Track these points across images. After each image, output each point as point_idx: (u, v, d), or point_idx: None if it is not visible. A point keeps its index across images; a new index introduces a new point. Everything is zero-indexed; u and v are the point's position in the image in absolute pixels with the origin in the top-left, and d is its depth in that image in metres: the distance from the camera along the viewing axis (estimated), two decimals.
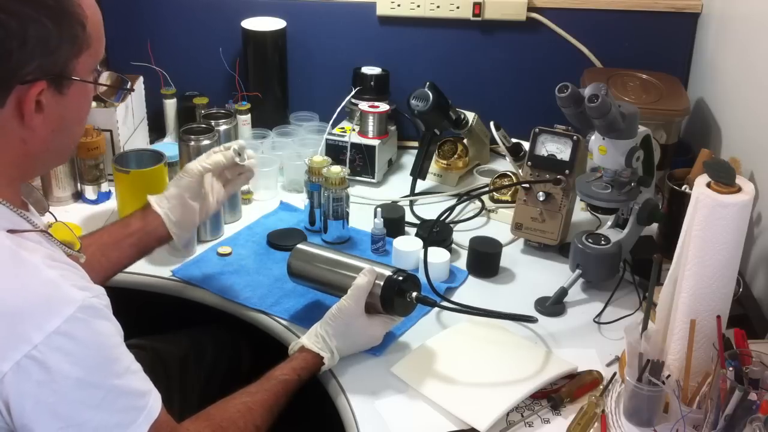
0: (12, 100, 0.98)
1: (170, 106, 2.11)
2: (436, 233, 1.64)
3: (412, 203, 1.92)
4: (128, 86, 1.23)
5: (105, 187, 1.89)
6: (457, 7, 2.07)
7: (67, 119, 1.05)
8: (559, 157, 1.67)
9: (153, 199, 1.48)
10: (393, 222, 1.74)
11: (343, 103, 2.02)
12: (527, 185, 1.71)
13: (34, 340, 0.93)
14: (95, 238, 1.43)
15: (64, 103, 1.03)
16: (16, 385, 0.93)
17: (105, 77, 1.16)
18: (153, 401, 1.04)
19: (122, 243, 1.43)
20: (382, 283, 1.38)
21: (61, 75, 1.01)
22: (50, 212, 1.69)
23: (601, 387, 1.33)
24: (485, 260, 1.65)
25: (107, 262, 1.39)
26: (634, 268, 1.61)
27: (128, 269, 1.48)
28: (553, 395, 1.31)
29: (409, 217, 1.82)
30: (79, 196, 1.90)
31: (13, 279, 0.95)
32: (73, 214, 1.82)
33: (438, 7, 2.08)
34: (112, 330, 1.01)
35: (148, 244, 1.47)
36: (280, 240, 1.72)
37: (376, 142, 1.97)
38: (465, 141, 2.03)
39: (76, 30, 1.00)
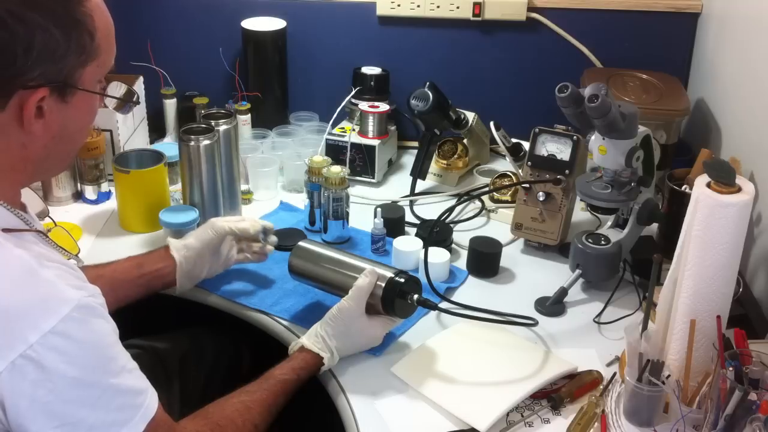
0: (13, 104, 0.98)
1: (170, 106, 2.11)
2: (436, 233, 1.63)
3: (412, 203, 1.92)
4: (135, 99, 1.23)
5: (105, 187, 1.89)
6: (457, 7, 2.07)
7: (69, 127, 1.05)
8: (559, 157, 1.67)
9: (173, 245, 1.50)
10: (393, 222, 1.74)
11: (343, 103, 2.02)
12: (527, 185, 1.71)
13: (30, 340, 0.92)
14: (108, 270, 1.44)
15: (67, 111, 1.03)
16: (11, 385, 0.93)
17: (114, 87, 1.16)
18: (150, 400, 1.04)
19: (133, 282, 1.46)
20: (383, 285, 1.37)
21: (65, 83, 1.00)
22: (50, 217, 1.70)
23: (601, 387, 1.33)
24: (485, 260, 1.65)
25: (114, 298, 1.37)
26: (634, 268, 1.61)
27: None
28: (553, 395, 1.30)
29: (409, 217, 1.82)
30: (79, 196, 1.90)
31: (8, 278, 0.95)
32: (73, 214, 1.82)
33: (438, 7, 2.07)
34: (108, 329, 1.01)
35: (155, 287, 1.50)
36: (280, 240, 1.70)
37: (376, 142, 1.97)
38: (465, 141, 2.03)
39: (84, 40, 1.00)
